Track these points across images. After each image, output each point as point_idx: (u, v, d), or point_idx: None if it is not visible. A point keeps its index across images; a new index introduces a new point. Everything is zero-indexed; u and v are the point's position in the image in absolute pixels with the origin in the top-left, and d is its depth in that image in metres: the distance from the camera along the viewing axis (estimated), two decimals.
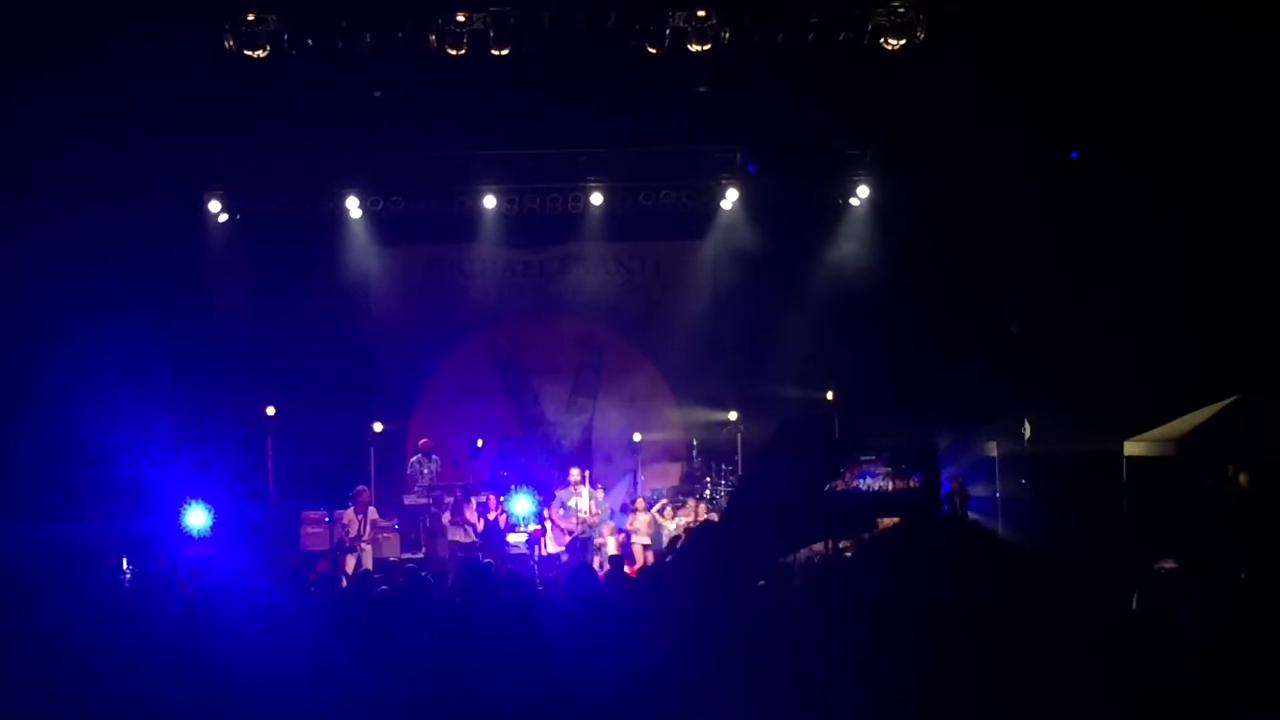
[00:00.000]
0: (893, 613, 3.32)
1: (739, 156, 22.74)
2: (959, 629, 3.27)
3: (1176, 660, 5.60)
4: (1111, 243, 19.93)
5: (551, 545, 20.30)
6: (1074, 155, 20.59)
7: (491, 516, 20.59)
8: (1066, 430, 19.85)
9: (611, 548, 20.17)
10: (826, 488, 3.55)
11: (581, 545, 20.15)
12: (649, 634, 3.69)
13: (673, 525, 20.38)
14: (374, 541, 20.34)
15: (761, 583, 3.51)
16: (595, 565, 18.42)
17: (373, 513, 20.54)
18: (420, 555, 20.30)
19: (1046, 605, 3.58)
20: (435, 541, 20.37)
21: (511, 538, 20.38)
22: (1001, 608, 3.35)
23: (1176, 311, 19.41)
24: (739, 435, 22.30)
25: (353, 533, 20.23)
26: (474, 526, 20.47)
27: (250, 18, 18.13)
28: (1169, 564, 10.65)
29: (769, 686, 3.33)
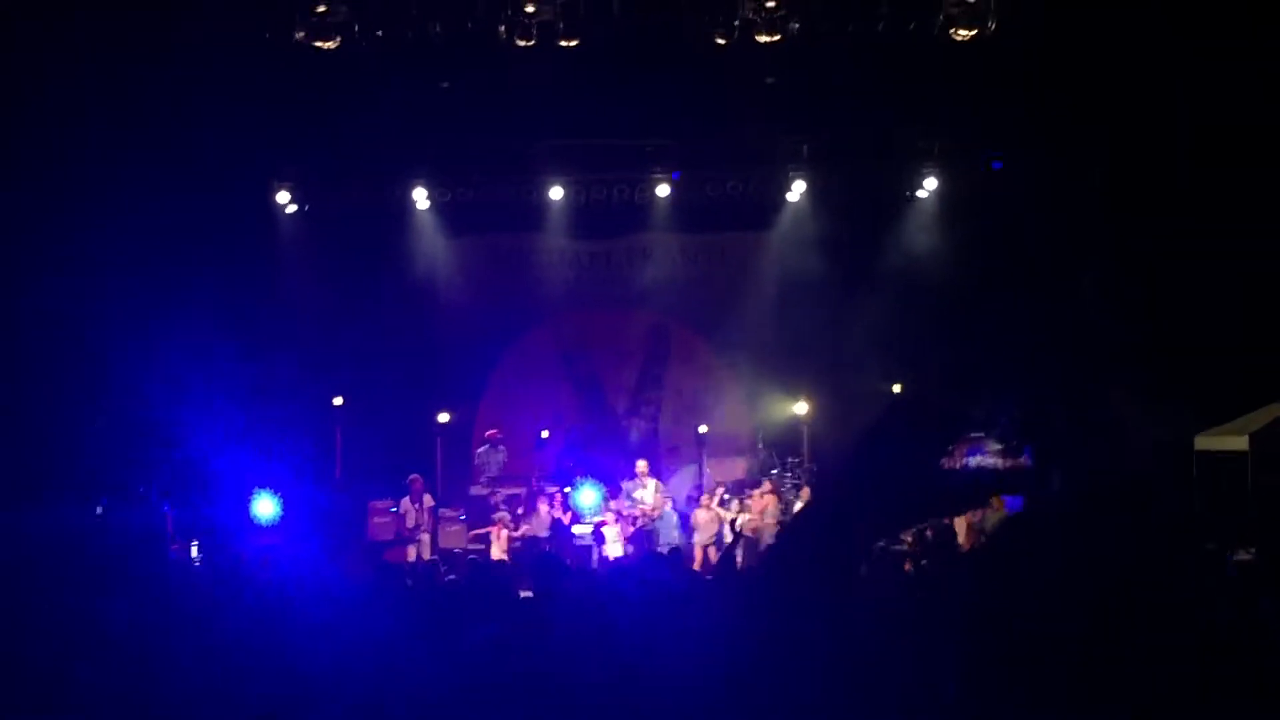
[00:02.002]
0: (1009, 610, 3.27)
1: (805, 149, 22.62)
2: (1062, 627, 3.22)
3: (1266, 654, 5.50)
4: (1185, 237, 19.69)
5: (611, 540, 20.22)
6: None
7: (555, 508, 20.62)
8: (1136, 422, 19.64)
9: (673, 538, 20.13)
10: (938, 464, 3.51)
11: (645, 536, 20.11)
12: (738, 626, 3.65)
13: (740, 519, 20.28)
14: (433, 530, 20.40)
15: (865, 570, 3.47)
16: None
17: (428, 500, 20.59)
18: (483, 547, 20.31)
19: (1136, 599, 3.52)
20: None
21: (576, 529, 20.39)
22: (1097, 602, 3.30)
23: (1244, 305, 19.18)
24: (805, 428, 22.24)
25: (410, 522, 20.32)
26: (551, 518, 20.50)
27: (321, 9, 18.17)
28: (1246, 555, 10.51)
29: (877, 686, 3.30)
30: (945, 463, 3.70)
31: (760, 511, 20.28)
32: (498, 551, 19.82)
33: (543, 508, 20.52)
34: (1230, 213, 18.81)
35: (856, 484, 3.46)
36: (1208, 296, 19.60)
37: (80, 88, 18.26)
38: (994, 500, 18.56)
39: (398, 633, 9.09)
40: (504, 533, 20.11)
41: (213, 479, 19.21)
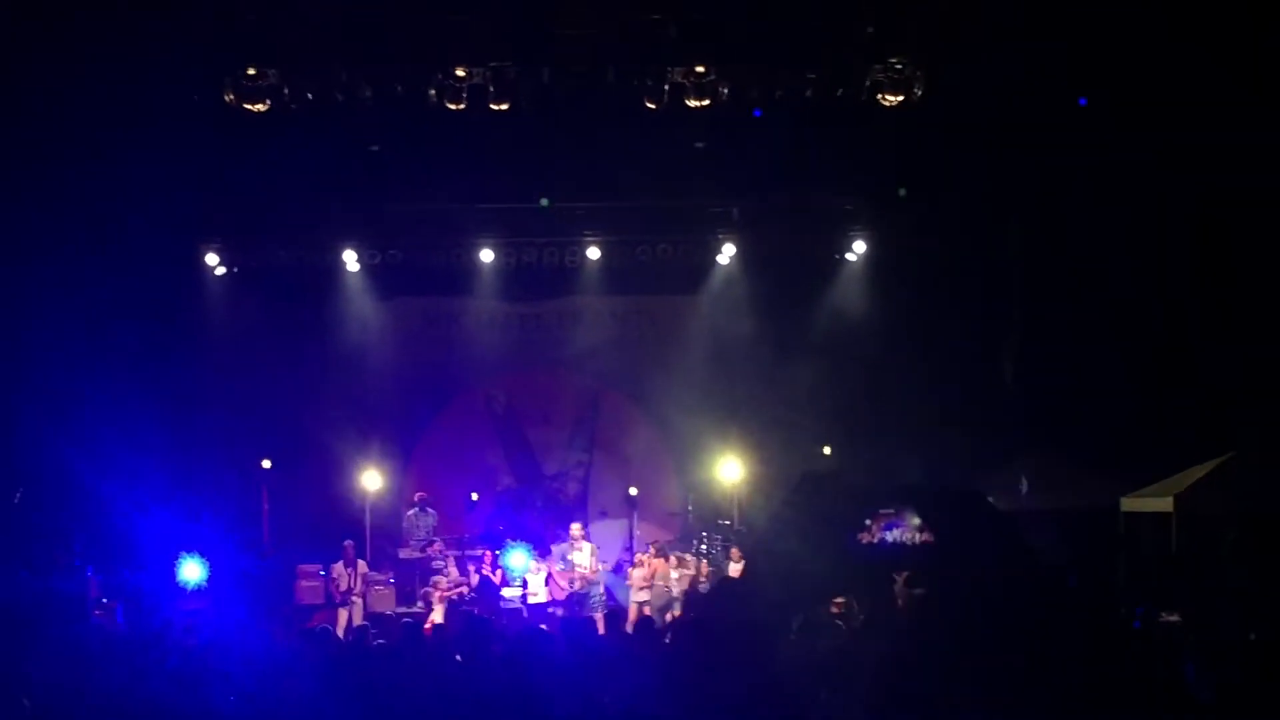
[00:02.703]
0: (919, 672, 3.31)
1: (735, 212, 22.78)
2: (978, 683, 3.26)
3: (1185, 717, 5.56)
4: (1108, 301, 20.03)
5: (542, 597, 20.18)
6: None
7: (485, 571, 20.53)
8: (1064, 485, 19.85)
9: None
10: (851, 540, 3.55)
11: (579, 600, 20.02)
12: (661, 690, 3.66)
13: (675, 575, 20.29)
14: (364, 595, 20.28)
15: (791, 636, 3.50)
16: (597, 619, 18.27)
17: (362, 566, 20.50)
18: (416, 608, 20.19)
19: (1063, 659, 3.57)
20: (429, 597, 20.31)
21: (506, 592, 20.30)
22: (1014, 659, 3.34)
23: (1174, 366, 19.49)
24: (736, 490, 22.31)
25: (343, 586, 20.17)
26: (467, 583, 20.42)
27: (251, 71, 18.13)
28: (1173, 617, 10.61)
29: None
30: (862, 537, 3.75)
31: (696, 572, 20.39)
32: (438, 616, 19.67)
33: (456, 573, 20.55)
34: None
35: (772, 557, 3.50)
36: (1127, 359, 19.94)
37: (16, 142, 18.12)
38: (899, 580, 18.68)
39: (326, 698, 9.04)
40: (440, 596, 19.99)
41: (138, 543, 19.02)
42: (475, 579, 20.41)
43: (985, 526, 3.88)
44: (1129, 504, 19.23)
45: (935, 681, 3.35)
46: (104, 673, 10.50)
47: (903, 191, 21.10)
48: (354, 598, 20.15)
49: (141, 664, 11.68)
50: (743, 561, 20.72)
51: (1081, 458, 20.08)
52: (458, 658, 10.13)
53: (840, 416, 21.71)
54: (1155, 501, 18.77)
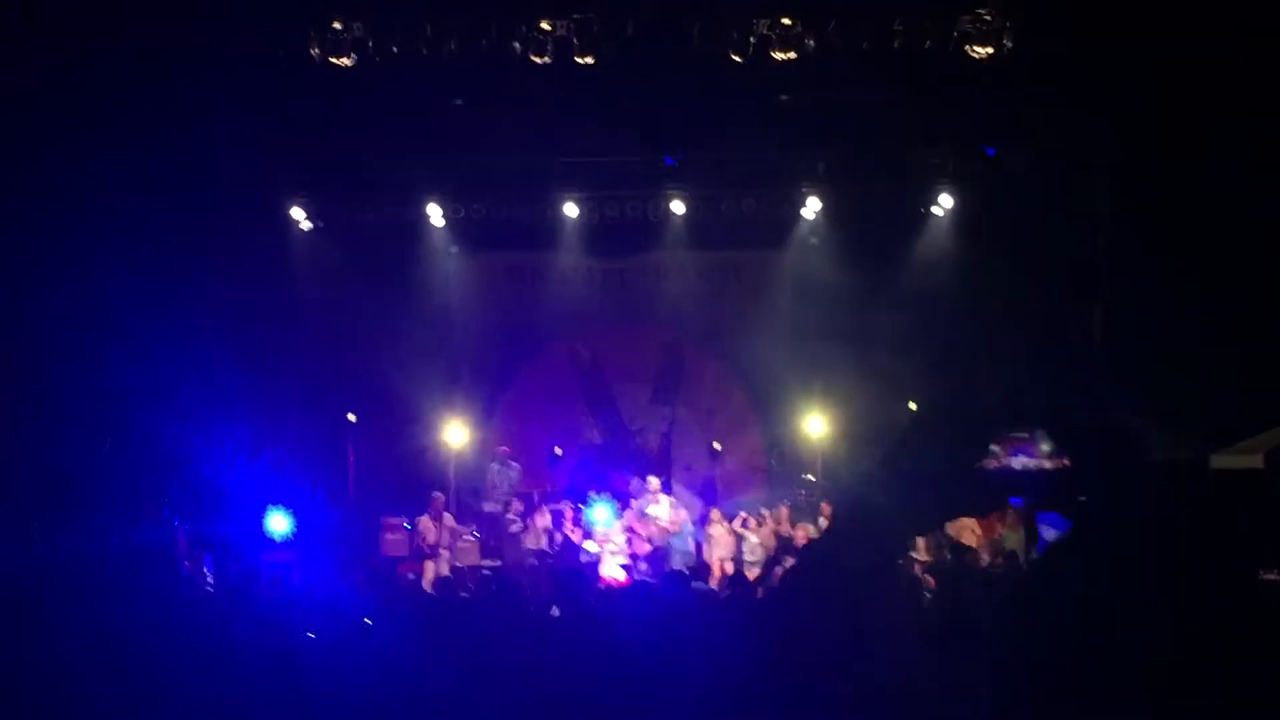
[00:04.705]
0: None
1: (820, 166, 22.57)
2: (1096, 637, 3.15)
3: None
4: (1203, 251, 19.65)
5: (612, 558, 20.14)
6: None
7: (567, 526, 20.59)
8: (1150, 440, 19.57)
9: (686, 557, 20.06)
10: (977, 465, 3.44)
11: (661, 555, 20.02)
12: (753, 645, 3.58)
13: (755, 539, 20.25)
14: (451, 548, 20.38)
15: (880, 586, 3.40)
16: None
17: (449, 519, 20.61)
18: (498, 563, 20.28)
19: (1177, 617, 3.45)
20: (509, 548, 20.40)
21: (588, 545, 20.34)
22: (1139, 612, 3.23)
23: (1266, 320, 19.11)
24: (820, 446, 22.21)
25: (430, 539, 20.29)
26: (549, 534, 20.48)
27: (336, 25, 18.17)
28: (1273, 575, 10.38)
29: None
30: (989, 463, 3.62)
31: (778, 527, 20.34)
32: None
33: (539, 521, 20.54)
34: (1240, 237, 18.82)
35: (886, 485, 3.38)
36: (1216, 317, 19.58)
37: (98, 101, 18.24)
38: (1011, 515, 18.51)
39: (411, 649, 9.05)
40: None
41: (225, 495, 19.21)
42: (558, 537, 20.48)
43: (1129, 461, 3.74)
44: (1219, 460, 18.92)
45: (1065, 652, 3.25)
46: (191, 622, 10.61)
47: (991, 151, 20.83)
48: (441, 550, 20.27)
49: (228, 612, 11.81)
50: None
51: (1168, 414, 19.76)
52: (554, 611, 10.13)
53: (926, 372, 21.48)
54: (1246, 459, 18.48)
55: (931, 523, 3.82)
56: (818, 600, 3.26)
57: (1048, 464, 3.57)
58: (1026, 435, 3.65)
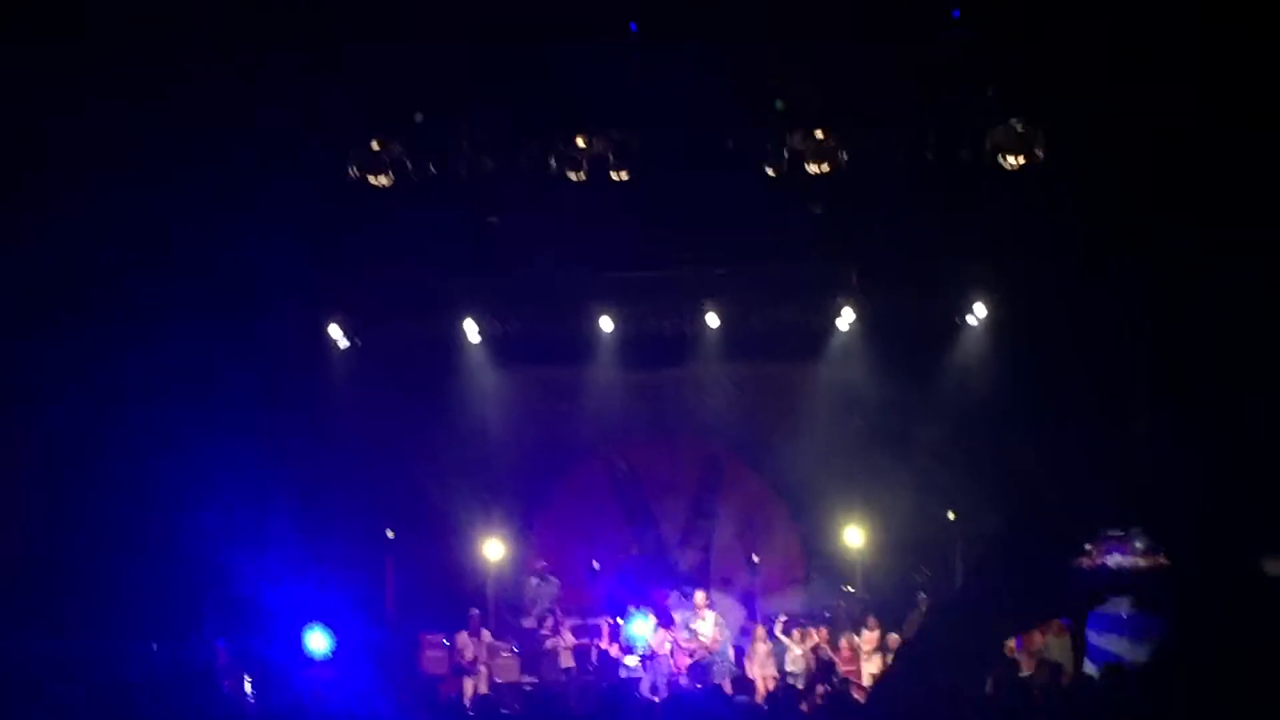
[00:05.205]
0: None
1: (854, 276, 22.65)
2: None
3: None
4: (1235, 363, 19.60)
5: (659, 673, 20.05)
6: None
7: (604, 641, 20.53)
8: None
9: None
10: (1071, 563, 3.45)
11: (703, 669, 19.89)
12: None
13: (798, 651, 20.13)
14: (489, 664, 20.32)
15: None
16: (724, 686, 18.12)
17: (486, 635, 20.58)
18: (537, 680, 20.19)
19: None
20: (547, 665, 20.35)
21: (628, 660, 20.25)
22: None
23: None
24: (860, 557, 22.11)
25: (468, 656, 20.26)
26: (587, 650, 20.45)
27: (374, 145, 18.37)
28: None
29: None
30: (1083, 561, 3.63)
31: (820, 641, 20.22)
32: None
33: (566, 637, 20.54)
34: None
35: (989, 580, 3.39)
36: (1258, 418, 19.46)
37: (140, 218, 18.47)
38: (1055, 624, 18.31)
39: None
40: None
41: (266, 614, 19.19)
42: (595, 653, 20.43)
43: (1224, 558, 3.74)
44: (1272, 567, 18.71)
45: None
46: None
47: (1019, 262, 20.86)
48: (480, 666, 20.20)
49: None
50: (877, 629, 20.55)
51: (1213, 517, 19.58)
52: None
53: (965, 481, 21.41)
54: None
55: (1026, 623, 3.81)
56: (907, 704, 3.25)
57: (1143, 562, 3.57)
58: (1122, 533, 3.65)
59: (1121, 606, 16.05)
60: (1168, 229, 19.62)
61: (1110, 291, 21.16)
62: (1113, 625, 17.16)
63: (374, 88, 17.65)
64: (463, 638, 20.31)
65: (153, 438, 19.29)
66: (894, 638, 20.28)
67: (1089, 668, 17.42)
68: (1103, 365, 21.05)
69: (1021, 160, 18.38)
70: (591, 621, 21.27)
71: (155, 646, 17.98)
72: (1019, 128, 18.24)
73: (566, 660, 20.40)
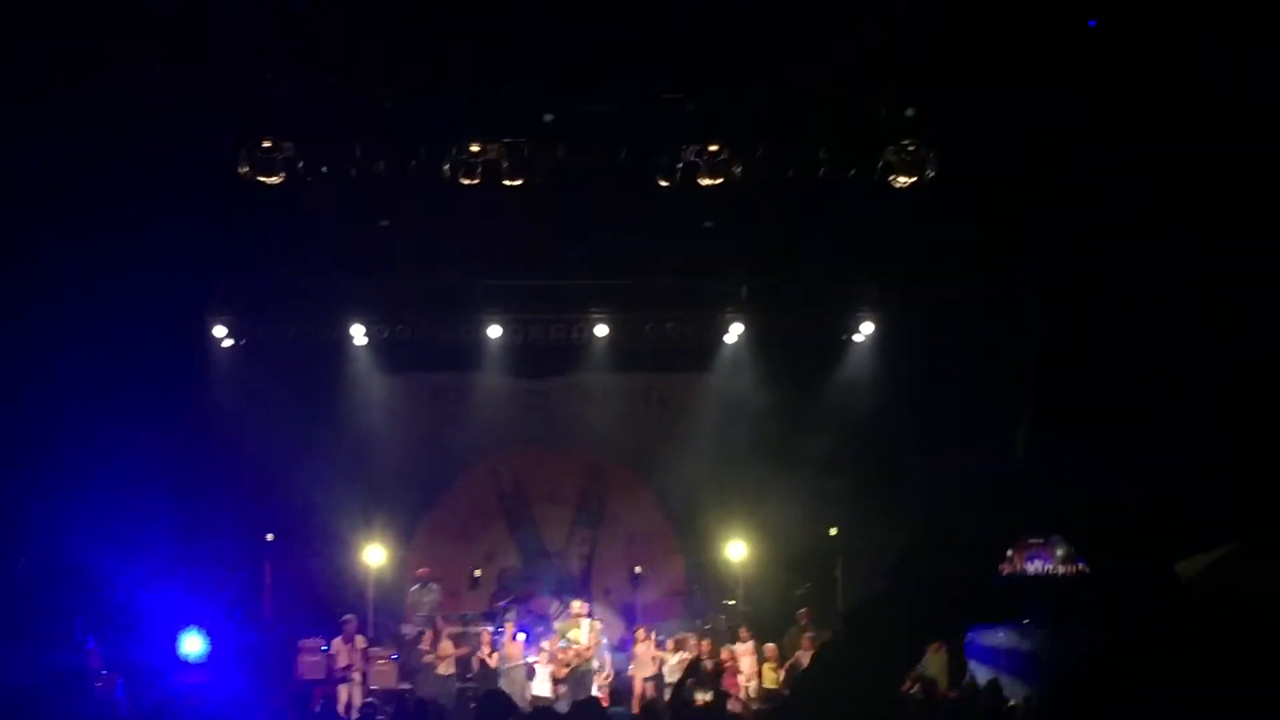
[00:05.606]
0: None
1: (743, 290, 22.82)
2: None
3: None
4: (1122, 385, 19.86)
5: (540, 679, 20.01)
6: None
7: (484, 650, 20.43)
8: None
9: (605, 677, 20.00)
10: (992, 568, 3.45)
11: (580, 679, 19.85)
12: None
13: (674, 660, 20.15)
14: (365, 671, 20.15)
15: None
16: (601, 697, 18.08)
17: (360, 641, 20.39)
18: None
19: None
20: (424, 673, 20.22)
21: (506, 668, 20.17)
22: None
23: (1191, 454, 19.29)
24: (741, 570, 22.21)
25: (342, 662, 20.07)
26: (466, 659, 20.36)
27: (266, 144, 18.12)
28: None
29: None
30: (1002, 568, 3.64)
31: (698, 653, 20.21)
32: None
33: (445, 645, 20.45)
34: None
35: (899, 591, 3.39)
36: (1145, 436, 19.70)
37: (19, 213, 18.06)
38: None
39: None
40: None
41: (138, 615, 18.86)
42: (475, 662, 20.34)
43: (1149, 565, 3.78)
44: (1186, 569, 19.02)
45: None
46: None
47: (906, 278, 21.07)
48: (354, 673, 20.01)
49: None
50: (751, 640, 20.66)
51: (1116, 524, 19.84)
52: None
53: (848, 495, 21.58)
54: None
55: (945, 632, 3.81)
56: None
57: (1062, 569, 3.59)
58: (1042, 541, 3.68)
59: (1000, 638, 16.22)
60: (1056, 246, 19.88)
61: (997, 310, 21.43)
62: (990, 655, 17.42)
63: (269, 88, 17.41)
64: (337, 644, 20.11)
65: (26, 436, 18.91)
66: (771, 648, 20.43)
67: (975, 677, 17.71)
68: (989, 382, 21.29)
69: (913, 180, 18.56)
70: (472, 630, 21.13)
71: (24, 658, 17.57)
72: (911, 147, 18.41)
73: (446, 668, 20.26)
